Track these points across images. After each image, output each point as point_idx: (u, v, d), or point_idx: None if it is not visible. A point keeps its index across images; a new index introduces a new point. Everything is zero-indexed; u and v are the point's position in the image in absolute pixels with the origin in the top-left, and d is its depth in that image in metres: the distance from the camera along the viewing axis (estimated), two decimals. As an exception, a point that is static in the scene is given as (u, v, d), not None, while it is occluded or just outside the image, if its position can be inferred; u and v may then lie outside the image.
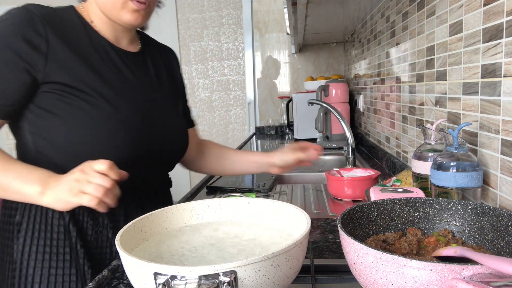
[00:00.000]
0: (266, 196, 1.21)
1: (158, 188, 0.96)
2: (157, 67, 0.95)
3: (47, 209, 0.78)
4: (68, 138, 0.75)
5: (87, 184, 0.65)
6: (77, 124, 0.76)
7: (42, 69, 0.73)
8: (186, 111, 1.06)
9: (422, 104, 1.11)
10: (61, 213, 0.79)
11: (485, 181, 0.76)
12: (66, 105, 0.75)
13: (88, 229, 0.81)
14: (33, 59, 0.72)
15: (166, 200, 0.99)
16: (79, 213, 0.81)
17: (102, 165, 0.65)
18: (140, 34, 0.95)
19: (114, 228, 0.84)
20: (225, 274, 0.41)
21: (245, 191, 1.24)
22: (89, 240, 0.81)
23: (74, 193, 0.65)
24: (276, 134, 2.89)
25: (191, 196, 1.27)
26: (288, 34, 2.94)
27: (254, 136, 2.88)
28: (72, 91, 0.76)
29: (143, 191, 0.89)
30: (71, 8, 0.83)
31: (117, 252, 0.83)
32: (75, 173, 0.66)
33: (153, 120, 0.86)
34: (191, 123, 1.08)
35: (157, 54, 0.98)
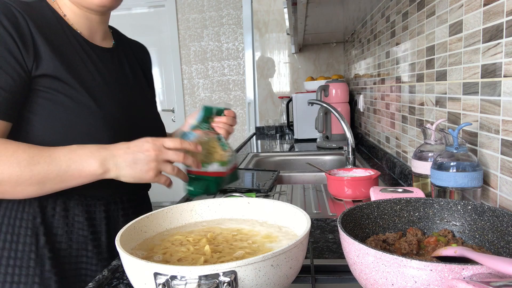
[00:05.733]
0: (266, 196, 1.21)
1: (138, 189, 0.92)
2: (131, 63, 0.94)
3: (15, 217, 0.75)
4: (45, 136, 0.73)
5: (164, 164, 0.71)
6: (56, 121, 0.73)
7: (31, 64, 0.71)
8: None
9: (422, 104, 1.11)
10: (29, 219, 0.75)
11: (485, 181, 0.76)
12: (47, 101, 0.73)
13: (60, 235, 0.78)
14: (22, 55, 0.70)
15: (144, 202, 0.96)
16: (52, 223, 0.77)
17: (173, 142, 0.70)
18: (112, 30, 0.95)
19: (94, 233, 0.81)
20: (225, 274, 0.41)
21: (245, 191, 1.24)
22: (58, 247, 0.77)
23: (151, 174, 0.70)
24: (276, 134, 2.89)
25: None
26: (288, 34, 2.94)
27: (254, 136, 2.88)
28: (56, 85, 0.73)
29: (124, 189, 0.86)
30: (43, 1, 0.80)
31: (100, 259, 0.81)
32: (147, 151, 0.69)
33: (133, 116, 0.86)
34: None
35: (130, 50, 0.97)
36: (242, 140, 3.62)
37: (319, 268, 0.65)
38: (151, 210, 0.98)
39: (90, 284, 0.63)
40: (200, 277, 0.40)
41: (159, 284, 0.41)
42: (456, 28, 0.86)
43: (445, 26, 0.92)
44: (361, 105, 2.12)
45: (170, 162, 0.72)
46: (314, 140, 2.42)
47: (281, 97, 2.94)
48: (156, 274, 0.42)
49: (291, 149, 2.15)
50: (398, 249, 0.54)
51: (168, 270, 0.41)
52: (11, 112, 0.71)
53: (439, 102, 0.98)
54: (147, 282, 0.43)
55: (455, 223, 0.58)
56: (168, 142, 0.71)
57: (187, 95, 3.67)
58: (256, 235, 0.60)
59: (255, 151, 2.13)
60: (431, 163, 0.79)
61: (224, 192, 1.25)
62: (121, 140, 0.75)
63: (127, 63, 0.92)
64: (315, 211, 1.04)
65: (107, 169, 0.70)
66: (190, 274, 0.40)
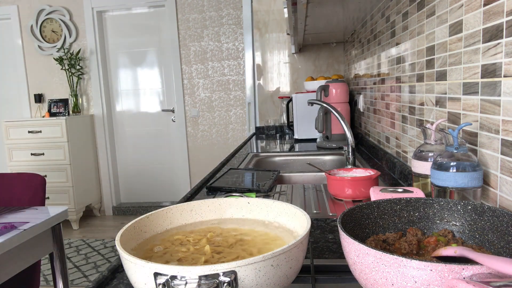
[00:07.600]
0: (266, 196, 1.21)
1: None
2: None
3: None
4: None
5: None
6: None
7: None
8: None
9: (422, 104, 1.11)
10: None
11: (485, 181, 0.76)
12: None
13: None
14: None
15: None
16: None
17: None
18: None
19: None
20: (225, 274, 0.41)
21: (245, 191, 1.24)
22: None
23: None
24: (276, 134, 2.89)
25: (191, 196, 1.27)
26: (288, 34, 2.94)
27: (254, 136, 2.88)
28: None
29: None
30: None
31: None
32: None
33: None
34: None
35: None
36: (242, 140, 3.62)
37: (319, 268, 0.65)
38: None
39: (90, 284, 0.63)
40: (200, 277, 0.40)
41: (159, 284, 0.41)
42: (456, 28, 0.86)
43: (445, 26, 0.92)
44: (361, 105, 2.12)
45: None
46: (314, 140, 2.42)
47: (281, 97, 2.94)
48: (156, 274, 0.42)
49: (291, 149, 2.15)
50: (398, 249, 0.54)
51: (168, 270, 0.41)
52: None
53: (439, 102, 0.98)
54: (147, 282, 0.43)
55: (455, 223, 0.58)
56: None
57: (187, 95, 3.66)
58: (256, 235, 0.60)
59: (255, 151, 2.13)
60: (431, 163, 0.79)
61: (224, 192, 1.25)
62: None
63: None
64: (315, 211, 1.04)
65: None
66: (190, 274, 0.40)
